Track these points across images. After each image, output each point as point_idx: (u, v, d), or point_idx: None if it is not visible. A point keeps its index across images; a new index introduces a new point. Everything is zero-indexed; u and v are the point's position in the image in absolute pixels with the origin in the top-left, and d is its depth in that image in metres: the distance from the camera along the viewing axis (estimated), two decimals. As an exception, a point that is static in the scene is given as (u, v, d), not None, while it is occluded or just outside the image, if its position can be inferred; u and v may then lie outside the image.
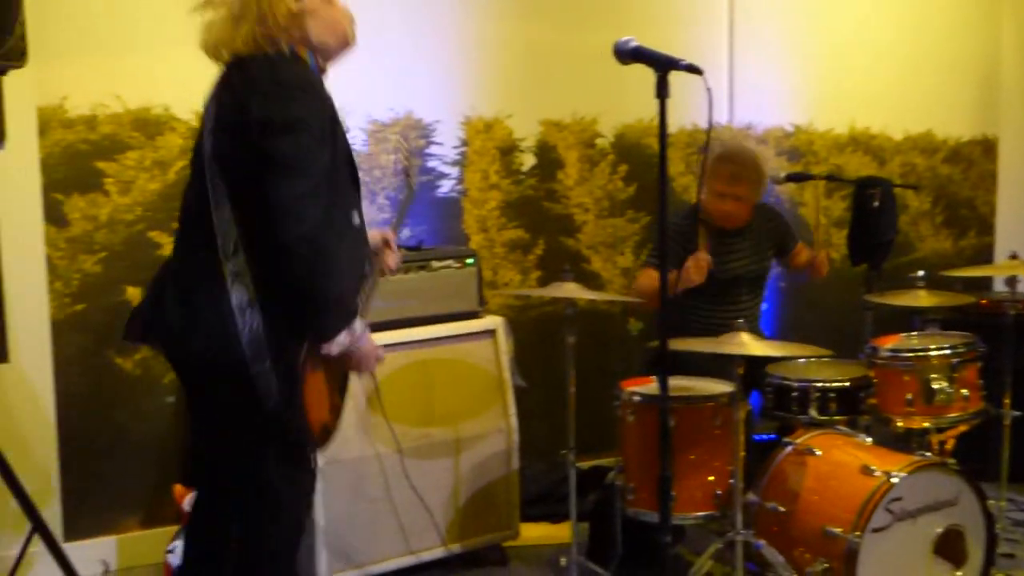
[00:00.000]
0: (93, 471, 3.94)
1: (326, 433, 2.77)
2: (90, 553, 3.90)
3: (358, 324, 2.62)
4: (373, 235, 2.97)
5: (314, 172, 2.43)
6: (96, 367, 3.91)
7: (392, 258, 3.04)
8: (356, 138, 4.29)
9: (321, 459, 3.63)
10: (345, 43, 2.73)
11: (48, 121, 3.78)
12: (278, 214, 2.37)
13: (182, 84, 3.93)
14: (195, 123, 3.97)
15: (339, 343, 2.57)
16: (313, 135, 2.44)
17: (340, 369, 2.77)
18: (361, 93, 4.26)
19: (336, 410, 2.82)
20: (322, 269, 2.44)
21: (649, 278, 4.08)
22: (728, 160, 4.15)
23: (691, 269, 3.90)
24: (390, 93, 4.35)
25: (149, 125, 3.93)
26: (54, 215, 3.81)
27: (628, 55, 2.53)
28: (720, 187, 4.10)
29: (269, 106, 2.43)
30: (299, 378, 2.53)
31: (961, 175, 5.79)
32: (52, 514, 3.83)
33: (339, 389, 2.86)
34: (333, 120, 2.57)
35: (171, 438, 4.04)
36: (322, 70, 2.69)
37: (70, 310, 3.85)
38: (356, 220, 2.70)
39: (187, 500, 3.73)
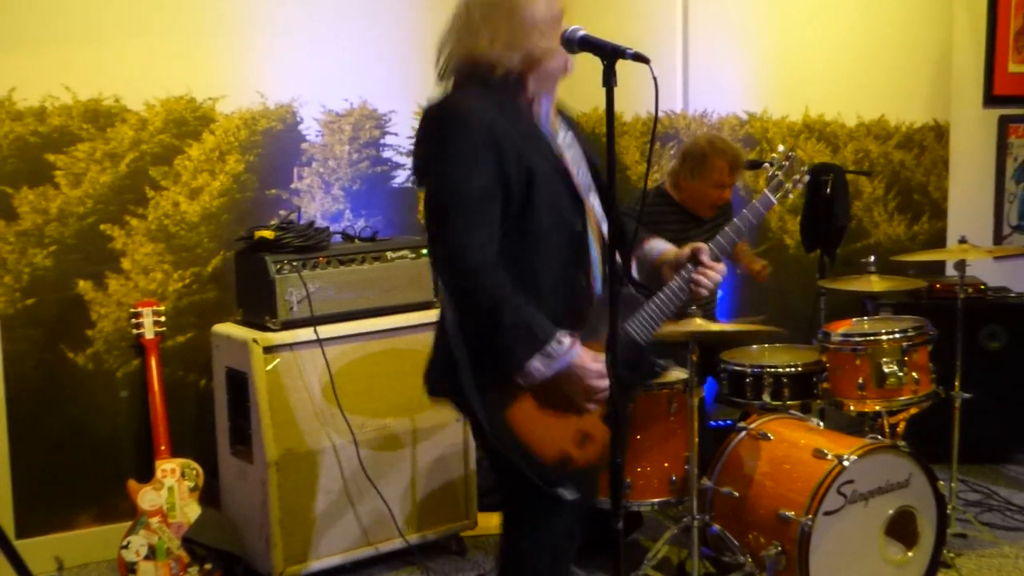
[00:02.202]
0: (46, 467, 3.90)
1: (566, 462, 2.55)
2: (43, 550, 3.86)
3: (555, 347, 2.43)
4: (679, 251, 2.75)
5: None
6: (48, 361, 3.87)
7: (708, 277, 2.69)
8: (310, 128, 4.27)
9: (276, 452, 3.64)
10: None
11: (-4, 114, 3.75)
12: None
13: (133, 74, 3.93)
14: (146, 114, 3.95)
15: (535, 370, 2.43)
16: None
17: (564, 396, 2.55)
18: (315, 83, 4.25)
19: (585, 439, 2.57)
20: (485, 298, 2.41)
21: None
22: (723, 153, 4.20)
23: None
24: (345, 83, 4.33)
25: (100, 116, 3.89)
26: (3, 208, 3.77)
27: (575, 44, 2.52)
28: (722, 179, 4.15)
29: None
30: (500, 404, 2.47)
31: (914, 161, 5.84)
32: (3, 511, 3.80)
33: (579, 417, 2.58)
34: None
35: (125, 433, 4.01)
36: None
37: (20, 304, 3.81)
38: (574, 227, 2.59)
39: (141, 495, 3.71)
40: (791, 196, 3.05)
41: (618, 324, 2.43)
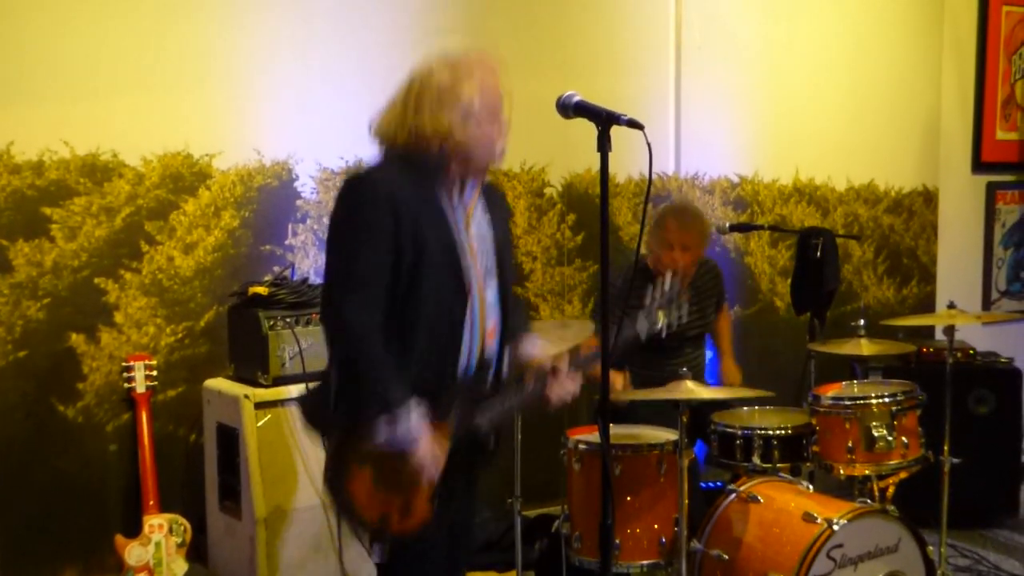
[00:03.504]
0: (33, 519, 3.87)
1: (384, 523, 2.67)
2: (29, 604, 3.83)
3: (402, 414, 2.55)
4: (542, 360, 2.88)
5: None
6: (38, 414, 3.86)
7: (559, 390, 2.83)
8: (305, 185, 4.31)
9: (265, 509, 3.62)
10: None
11: (-6, 167, 3.77)
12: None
13: (131, 130, 3.96)
14: (143, 169, 3.98)
15: (379, 430, 2.55)
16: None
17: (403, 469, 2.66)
18: (311, 141, 4.29)
19: (407, 511, 2.67)
20: (355, 351, 2.60)
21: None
22: (676, 213, 4.26)
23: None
24: (340, 141, 4.36)
25: (97, 171, 3.92)
26: (-2, 261, 3.79)
27: (571, 110, 2.57)
28: (668, 237, 4.16)
29: None
30: (343, 454, 2.63)
31: (903, 225, 5.90)
32: (-10, 564, 3.77)
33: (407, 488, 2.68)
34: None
35: (113, 487, 3.98)
36: None
37: (12, 357, 3.81)
38: (453, 315, 2.70)
39: (128, 550, 3.69)
40: (669, 325, 3.09)
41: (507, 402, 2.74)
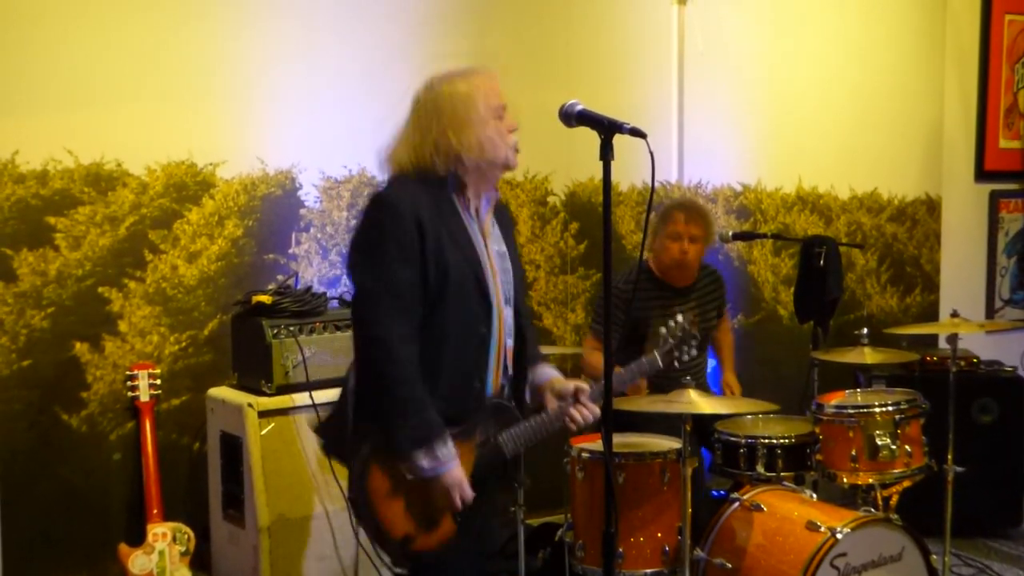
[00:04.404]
0: (36, 528, 3.87)
1: (408, 540, 2.70)
2: (33, 613, 3.84)
3: (443, 451, 2.60)
4: (564, 383, 2.91)
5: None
6: (42, 423, 3.86)
7: (581, 414, 2.85)
8: (309, 194, 4.32)
9: (269, 517, 3.63)
10: None
11: (-2, 176, 3.78)
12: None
13: (135, 139, 3.97)
14: (147, 178, 3.99)
15: (419, 465, 2.60)
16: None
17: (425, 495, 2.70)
18: (315, 150, 4.30)
19: (431, 527, 2.71)
20: (398, 390, 2.59)
21: (591, 356, 4.23)
22: (682, 206, 4.31)
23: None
24: (344, 150, 4.37)
25: (101, 180, 3.93)
26: (2, 270, 3.78)
27: (574, 118, 2.58)
28: (676, 228, 4.19)
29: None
30: (365, 472, 2.65)
31: (906, 234, 5.90)
32: (-6, 573, 3.78)
33: (431, 508, 2.72)
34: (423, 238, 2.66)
35: (117, 496, 3.99)
36: None
37: (16, 366, 3.81)
38: (479, 331, 2.74)
39: (131, 559, 3.69)
40: (679, 363, 3.21)
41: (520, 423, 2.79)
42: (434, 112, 2.73)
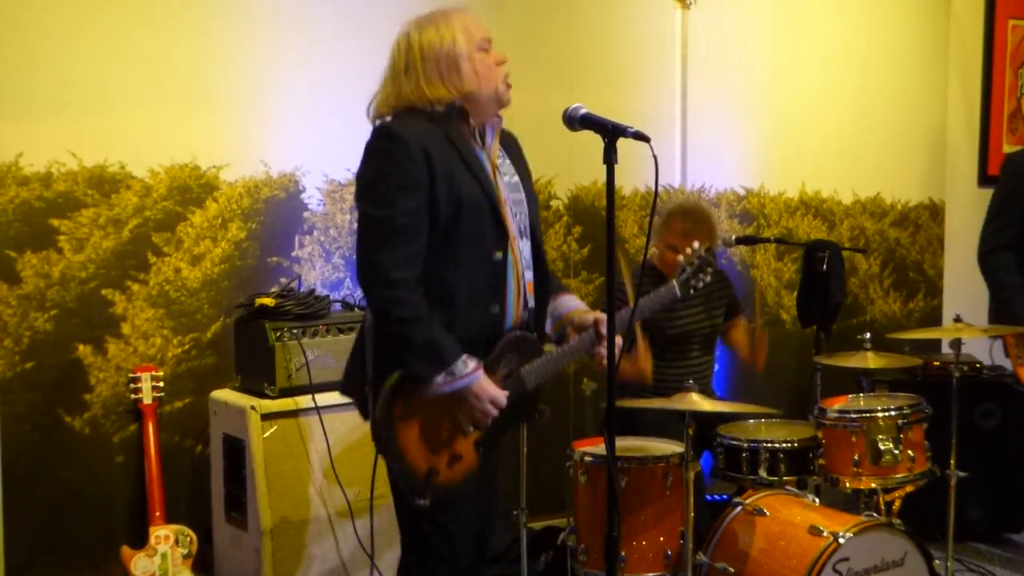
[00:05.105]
0: (39, 531, 3.88)
1: (432, 475, 2.72)
2: (35, 615, 3.84)
3: (462, 366, 2.62)
4: (584, 315, 2.93)
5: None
6: (44, 425, 3.86)
7: (603, 349, 2.80)
8: (312, 197, 4.32)
9: (271, 520, 3.63)
10: None
11: (2, 178, 3.76)
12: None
13: (139, 142, 3.97)
14: (151, 180, 3.99)
15: (437, 385, 2.61)
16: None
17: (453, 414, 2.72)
18: (318, 153, 4.30)
19: (454, 460, 2.74)
20: (400, 311, 2.59)
21: None
22: (682, 215, 4.25)
23: (626, 368, 3.84)
24: (347, 153, 4.33)
25: (105, 182, 3.93)
26: (6, 272, 3.79)
27: (577, 122, 2.59)
28: (674, 240, 4.17)
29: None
30: (389, 409, 2.64)
31: (909, 239, 5.90)
32: (-4, 575, 3.78)
33: (456, 437, 2.76)
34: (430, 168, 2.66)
35: (120, 498, 3.99)
36: None
37: (19, 368, 3.81)
38: (495, 257, 2.74)
39: (134, 561, 3.69)
40: (695, 290, 3.23)
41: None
42: (419, 53, 2.73)
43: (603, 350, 2.79)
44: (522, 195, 2.87)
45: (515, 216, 2.82)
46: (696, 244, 3.23)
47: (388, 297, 2.61)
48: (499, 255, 2.74)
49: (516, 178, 2.88)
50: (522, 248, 2.81)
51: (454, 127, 2.74)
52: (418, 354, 2.60)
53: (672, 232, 4.18)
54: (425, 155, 2.63)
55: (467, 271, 2.69)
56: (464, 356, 2.63)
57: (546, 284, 2.92)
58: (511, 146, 2.94)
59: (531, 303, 2.86)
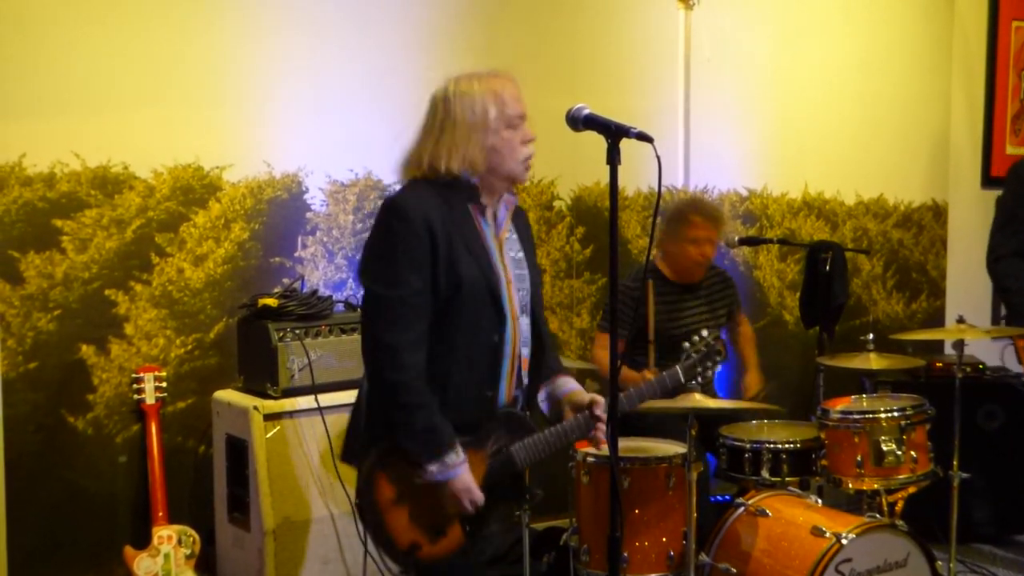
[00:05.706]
0: (42, 531, 3.88)
1: (414, 548, 2.71)
2: (38, 615, 3.84)
3: (453, 457, 2.63)
4: (581, 396, 2.90)
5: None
6: (48, 426, 3.87)
7: (601, 432, 2.84)
8: (315, 197, 4.32)
9: (274, 520, 3.63)
10: None
11: (6, 179, 3.77)
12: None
13: (142, 142, 3.98)
14: (154, 181, 3.99)
15: (429, 472, 2.62)
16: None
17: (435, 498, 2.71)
18: (321, 153, 4.30)
19: (438, 535, 2.73)
20: (405, 397, 2.61)
21: (600, 353, 4.21)
22: (698, 211, 4.29)
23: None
24: (350, 154, 4.38)
25: (108, 183, 3.93)
26: (9, 273, 3.79)
27: (580, 123, 2.58)
28: (696, 233, 4.19)
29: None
30: (374, 479, 2.67)
31: (912, 240, 5.89)
32: (-1, 575, 3.78)
33: (440, 516, 2.74)
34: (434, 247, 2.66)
35: (123, 499, 3.99)
36: None
37: (23, 368, 3.82)
38: (492, 340, 2.73)
39: (136, 562, 3.69)
40: (702, 380, 3.19)
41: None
42: (446, 115, 2.71)
43: (600, 433, 2.82)
44: (525, 271, 2.86)
45: (518, 292, 2.81)
46: (705, 332, 3.19)
47: (397, 381, 2.61)
48: (496, 339, 2.73)
49: (521, 253, 2.86)
50: (522, 326, 2.81)
51: (462, 203, 2.72)
52: (417, 440, 2.61)
53: (691, 226, 4.20)
54: (430, 233, 2.62)
55: (462, 355, 2.69)
56: (457, 447, 2.64)
57: (541, 357, 2.90)
58: (518, 219, 2.92)
59: (525, 380, 2.86)
